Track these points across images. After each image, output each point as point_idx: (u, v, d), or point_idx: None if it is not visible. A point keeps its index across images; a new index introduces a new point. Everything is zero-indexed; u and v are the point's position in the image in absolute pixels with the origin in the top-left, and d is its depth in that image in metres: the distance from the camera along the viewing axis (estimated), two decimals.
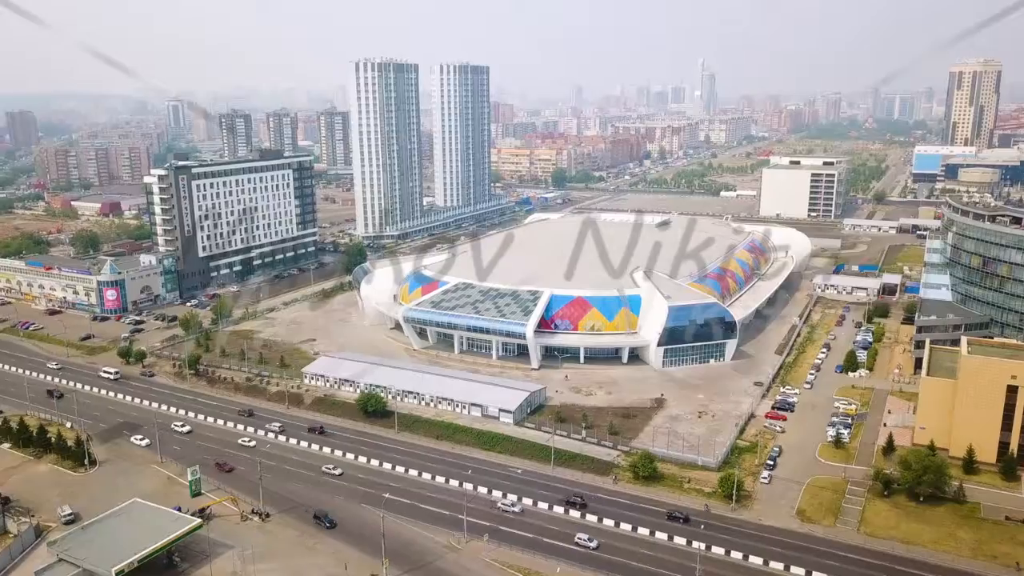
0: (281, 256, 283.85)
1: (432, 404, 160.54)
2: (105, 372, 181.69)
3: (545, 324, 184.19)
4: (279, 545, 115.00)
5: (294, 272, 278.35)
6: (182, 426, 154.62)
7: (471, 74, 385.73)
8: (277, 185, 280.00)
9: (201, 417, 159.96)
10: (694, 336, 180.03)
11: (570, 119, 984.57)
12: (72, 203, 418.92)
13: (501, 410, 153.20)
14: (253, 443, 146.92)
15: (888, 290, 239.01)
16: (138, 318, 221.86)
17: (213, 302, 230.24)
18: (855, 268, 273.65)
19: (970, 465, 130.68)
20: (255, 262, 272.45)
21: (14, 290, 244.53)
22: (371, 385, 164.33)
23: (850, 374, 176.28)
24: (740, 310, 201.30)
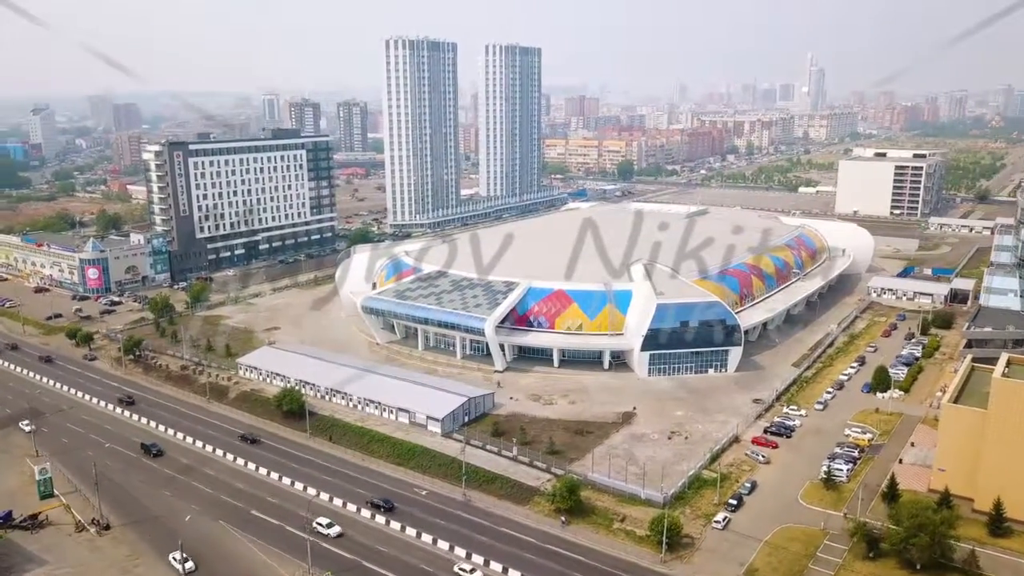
0: (292, 241, 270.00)
1: (359, 407, 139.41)
2: None
3: (520, 320, 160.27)
4: (99, 564, 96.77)
5: (300, 259, 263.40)
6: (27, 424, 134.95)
7: (519, 56, 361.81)
8: (288, 166, 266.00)
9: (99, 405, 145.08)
10: (687, 340, 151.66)
11: (661, 114, 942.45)
12: (128, 187, 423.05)
13: (429, 417, 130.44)
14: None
15: (958, 297, 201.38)
16: (115, 299, 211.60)
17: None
18: (928, 271, 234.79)
19: (998, 523, 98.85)
20: (261, 246, 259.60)
21: (11, 267, 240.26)
22: (300, 381, 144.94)
23: (879, 395, 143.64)
24: (760, 313, 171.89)
